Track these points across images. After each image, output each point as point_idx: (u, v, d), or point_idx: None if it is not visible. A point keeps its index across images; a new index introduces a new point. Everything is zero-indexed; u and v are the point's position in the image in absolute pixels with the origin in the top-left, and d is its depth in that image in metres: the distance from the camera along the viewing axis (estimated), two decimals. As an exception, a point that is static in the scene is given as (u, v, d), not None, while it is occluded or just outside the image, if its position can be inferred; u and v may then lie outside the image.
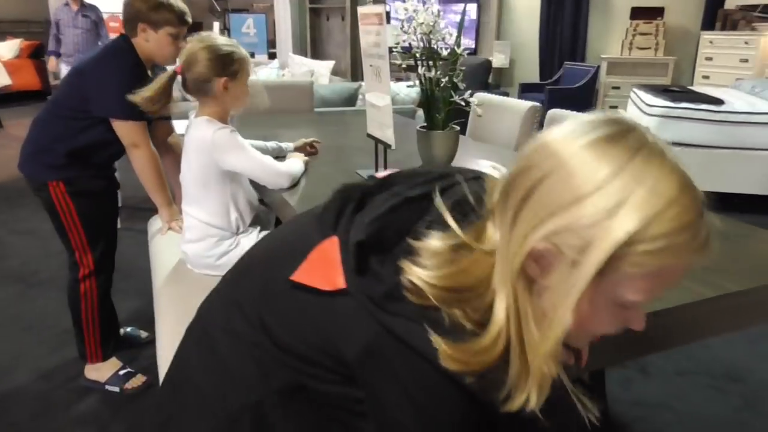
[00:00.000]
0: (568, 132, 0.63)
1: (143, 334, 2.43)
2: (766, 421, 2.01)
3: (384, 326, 0.66)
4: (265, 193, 1.82)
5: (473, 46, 7.84)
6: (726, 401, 2.13)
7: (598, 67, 6.94)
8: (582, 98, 7.14)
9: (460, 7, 6.93)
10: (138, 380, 2.14)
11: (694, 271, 0.61)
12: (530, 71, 7.78)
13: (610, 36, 7.43)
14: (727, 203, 4.32)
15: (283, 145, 2.18)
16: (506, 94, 6.84)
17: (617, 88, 7.24)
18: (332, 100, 3.97)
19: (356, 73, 8.08)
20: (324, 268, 0.71)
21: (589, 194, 0.59)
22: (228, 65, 1.64)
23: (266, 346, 0.75)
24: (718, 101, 4.15)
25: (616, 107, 6.92)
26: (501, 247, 0.65)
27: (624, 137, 0.61)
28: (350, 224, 0.72)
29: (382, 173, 0.80)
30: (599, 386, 1.95)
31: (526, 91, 7.45)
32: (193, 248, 1.75)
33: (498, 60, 7.72)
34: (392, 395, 0.67)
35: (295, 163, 1.88)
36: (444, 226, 0.68)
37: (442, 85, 1.67)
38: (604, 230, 0.58)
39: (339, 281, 0.69)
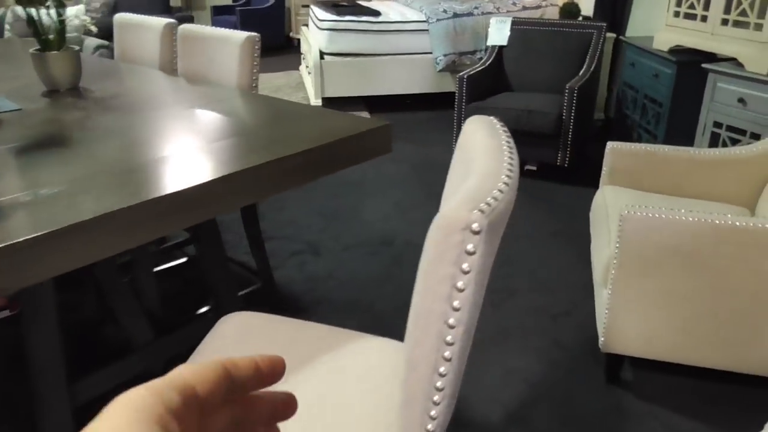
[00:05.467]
0: None
1: None
2: (406, 271, 2.51)
3: None
4: None
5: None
6: (379, 262, 2.59)
7: (284, -15, 7.13)
8: (274, 17, 7.31)
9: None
10: None
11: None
12: (221, -7, 7.66)
13: (291, -46, 7.65)
14: (398, 104, 4.95)
15: None
16: (191, 18, 6.67)
17: (306, 6, 7.54)
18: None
19: None
20: None
21: None
22: None
23: None
24: (376, 13, 4.65)
25: (306, 25, 7.26)
26: None
27: None
28: None
29: None
30: (264, 268, 2.21)
31: (219, 13, 7.36)
32: None
33: (184, -17, 7.43)
34: None
35: None
36: None
37: (47, 4, 1.64)
38: None
39: None
